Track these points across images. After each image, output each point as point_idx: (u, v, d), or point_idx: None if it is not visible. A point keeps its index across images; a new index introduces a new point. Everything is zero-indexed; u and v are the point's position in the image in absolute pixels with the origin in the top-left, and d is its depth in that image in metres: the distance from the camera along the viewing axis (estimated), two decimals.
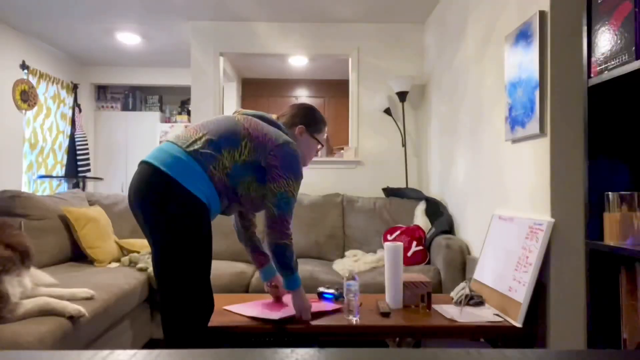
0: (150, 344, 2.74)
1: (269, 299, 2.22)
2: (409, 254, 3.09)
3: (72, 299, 1.97)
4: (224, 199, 1.70)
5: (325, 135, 2.02)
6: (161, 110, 6.70)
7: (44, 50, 5.18)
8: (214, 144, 1.66)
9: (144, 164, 1.64)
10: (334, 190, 4.21)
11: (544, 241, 1.96)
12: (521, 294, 1.95)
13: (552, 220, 1.94)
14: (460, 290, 2.23)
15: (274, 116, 1.93)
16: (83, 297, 2.01)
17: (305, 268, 2.81)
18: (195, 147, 1.65)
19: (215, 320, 1.90)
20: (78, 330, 1.82)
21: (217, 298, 2.28)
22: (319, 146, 1.99)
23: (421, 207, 3.45)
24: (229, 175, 1.67)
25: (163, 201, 1.57)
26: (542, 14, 2.00)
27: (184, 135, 1.70)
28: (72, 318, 1.77)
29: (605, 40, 1.37)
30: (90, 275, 2.46)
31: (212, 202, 1.66)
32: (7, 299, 1.64)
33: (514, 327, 1.90)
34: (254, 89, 6.81)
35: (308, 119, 1.94)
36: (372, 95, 4.32)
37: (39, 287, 1.92)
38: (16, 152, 4.74)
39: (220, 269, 2.83)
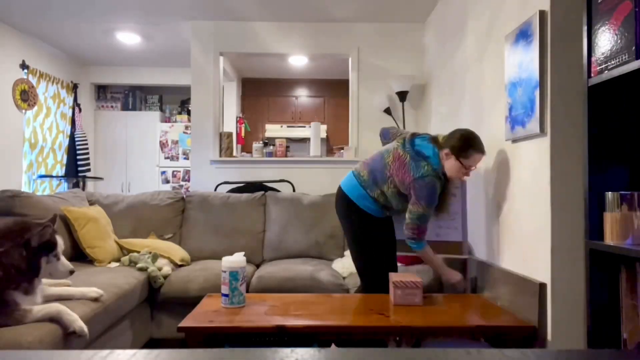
0: (150, 344, 2.74)
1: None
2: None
3: (82, 297, 2.00)
4: (385, 210, 2.42)
5: (478, 161, 2.32)
6: (161, 110, 6.70)
7: (44, 50, 5.18)
8: (372, 179, 2.38)
9: (340, 187, 2.53)
10: (334, 190, 4.20)
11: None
12: None
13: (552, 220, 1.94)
14: None
15: (439, 136, 2.36)
16: (92, 297, 2.03)
17: (305, 268, 2.82)
18: (364, 178, 2.41)
19: (215, 320, 1.91)
20: None
21: (217, 298, 2.28)
22: (466, 169, 2.29)
23: None
24: (386, 198, 2.37)
25: (347, 213, 2.46)
26: (542, 14, 2.00)
27: (358, 169, 2.47)
28: (74, 333, 1.75)
29: (605, 40, 1.36)
30: (90, 275, 2.46)
31: (376, 212, 2.40)
32: (14, 308, 1.65)
33: (514, 326, 1.90)
34: (254, 88, 6.81)
35: (458, 143, 2.26)
36: (372, 95, 4.32)
37: (49, 286, 1.93)
38: (16, 152, 4.74)
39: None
